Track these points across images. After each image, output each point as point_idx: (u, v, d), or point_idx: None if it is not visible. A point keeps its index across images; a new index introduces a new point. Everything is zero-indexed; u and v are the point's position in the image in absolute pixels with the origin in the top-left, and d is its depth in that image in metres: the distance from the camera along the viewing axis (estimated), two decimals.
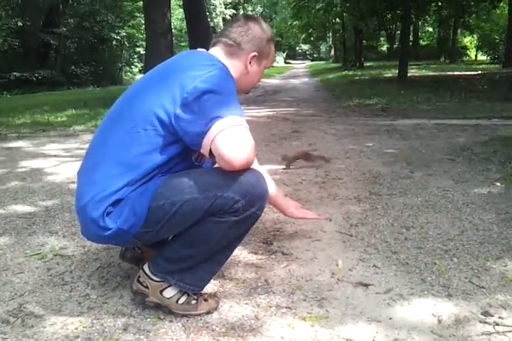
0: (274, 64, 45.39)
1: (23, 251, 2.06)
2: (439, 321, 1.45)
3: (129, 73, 25.46)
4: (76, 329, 1.45)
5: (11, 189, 3.11)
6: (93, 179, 1.41)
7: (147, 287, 1.50)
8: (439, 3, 17.99)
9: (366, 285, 1.67)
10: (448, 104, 7.48)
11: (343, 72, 19.75)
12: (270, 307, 1.55)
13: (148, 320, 1.48)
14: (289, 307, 1.54)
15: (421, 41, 33.82)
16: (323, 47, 54.89)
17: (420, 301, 1.57)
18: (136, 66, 25.50)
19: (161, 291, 1.49)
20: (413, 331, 1.40)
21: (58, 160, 4.05)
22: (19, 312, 1.56)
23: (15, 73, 18.14)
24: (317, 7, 22.79)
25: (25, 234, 2.27)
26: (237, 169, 1.33)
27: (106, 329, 1.43)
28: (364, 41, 25.54)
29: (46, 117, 7.15)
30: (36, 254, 2.02)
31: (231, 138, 1.30)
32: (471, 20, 23.77)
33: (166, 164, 1.40)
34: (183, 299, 1.50)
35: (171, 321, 1.47)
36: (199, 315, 1.50)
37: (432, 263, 1.84)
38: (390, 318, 1.47)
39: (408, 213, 2.42)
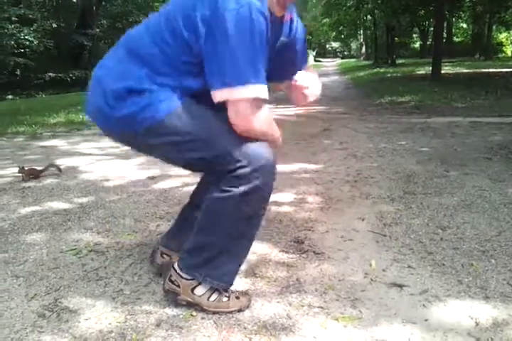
0: None
1: (58, 247, 2.11)
2: (477, 324, 1.41)
3: None
4: (110, 324, 1.47)
5: (46, 186, 3.19)
6: (125, 59, 1.42)
7: (178, 285, 1.51)
8: None
9: (400, 286, 1.63)
10: (483, 102, 7.28)
11: (375, 70, 19.46)
12: (302, 306, 1.54)
13: (181, 316, 1.49)
14: (322, 307, 1.52)
15: (455, 38, 33.05)
16: (353, 45, 54.22)
17: (457, 303, 1.53)
18: None
19: (192, 289, 1.50)
20: (449, 333, 1.36)
21: (92, 159, 4.14)
22: (55, 306, 1.59)
23: (50, 74, 18.62)
24: (348, 4, 22.52)
25: (61, 230, 2.32)
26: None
27: (139, 325, 1.45)
28: (396, 38, 25.08)
29: (80, 116, 7.30)
30: (71, 250, 2.07)
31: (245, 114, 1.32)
32: (507, 16, 23.05)
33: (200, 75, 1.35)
34: (214, 296, 1.51)
35: (203, 318, 1.48)
36: (230, 312, 1.50)
37: (469, 264, 1.79)
38: (426, 320, 1.43)
39: (444, 213, 2.36)
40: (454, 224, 2.20)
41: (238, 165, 1.36)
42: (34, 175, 3.38)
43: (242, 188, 1.37)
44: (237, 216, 1.42)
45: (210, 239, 1.46)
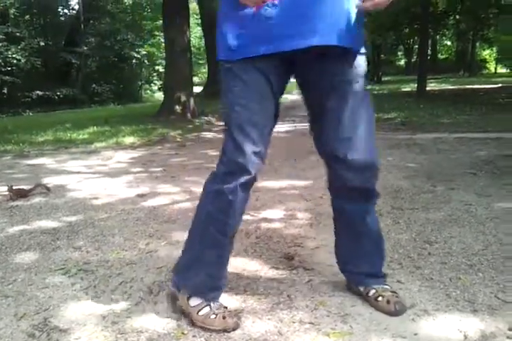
0: (292, 79, 45.61)
1: (47, 266, 2.09)
2: (465, 337, 1.42)
3: (148, 91, 25.86)
4: None
5: (34, 204, 3.17)
6: None
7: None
8: (457, 17, 17.99)
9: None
10: (468, 118, 7.41)
11: None
12: (293, 322, 1.54)
13: (172, 335, 1.49)
14: (313, 323, 1.53)
15: (439, 55, 33.73)
16: None
17: (445, 317, 1.54)
18: (155, 84, 25.87)
19: (188, 298, 1.55)
20: None
21: (81, 177, 4.12)
22: (44, 326, 1.58)
23: (37, 92, 18.57)
24: None
25: (49, 249, 2.30)
26: None
27: None
28: (382, 55, 25.56)
29: (68, 134, 7.30)
30: (60, 269, 2.05)
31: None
32: (489, 33, 23.68)
33: None
34: (203, 311, 1.53)
35: (194, 336, 1.47)
36: (215, 330, 1.50)
37: (457, 278, 1.82)
38: (415, 334, 1.45)
39: (431, 228, 2.39)
40: (441, 239, 2.23)
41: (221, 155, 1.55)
42: (22, 194, 3.36)
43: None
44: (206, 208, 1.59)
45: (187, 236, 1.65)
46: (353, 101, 1.48)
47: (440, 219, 2.52)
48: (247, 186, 1.51)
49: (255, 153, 1.47)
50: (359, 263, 1.68)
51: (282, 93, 1.59)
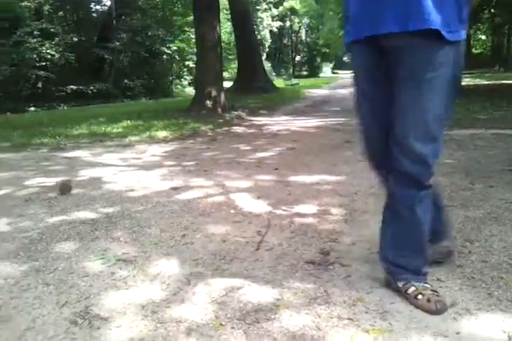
0: (321, 74, 45.26)
1: (87, 256, 2.14)
2: (509, 338, 1.38)
3: (179, 86, 26.10)
4: (141, 332, 1.49)
5: (72, 196, 3.24)
6: None
7: None
8: (492, 10, 17.46)
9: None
10: (505, 113, 7.20)
11: None
12: (331, 318, 1.53)
13: (211, 325, 1.50)
14: (351, 319, 1.52)
15: (474, 49, 32.83)
16: None
17: (488, 316, 1.50)
18: (185, 79, 26.10)
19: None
20: None
21: (116, 169, 4.20)
22: (86, 314, 1.62)
23: (71, 86, 19.00)
24: None
25: (89, 239, 2.35)
26: None
27: (170, 334, 1.46)
28: None
29: (103, 128, 7.44)
30: (100, 259, 2.10)
31: None
32: None
33: None
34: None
35: (232, 328, 1.48)
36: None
37: (499, 277, 1.77)
38: (457, 333, 1.42)
39: (471, 226, 2.33)
40: (481, 237, 2.17)
41: None
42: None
43: None
44: None
45: None
46: (427, 90, 1.47)
47: (480, 217, 2.46)
48: None
49: None
50: (400, 255, 1.66)
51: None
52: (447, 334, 1.41)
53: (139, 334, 1.47)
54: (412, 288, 1.61)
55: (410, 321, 1.49)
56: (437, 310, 1.52)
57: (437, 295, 1.58)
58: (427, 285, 1.63)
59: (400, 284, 1.65)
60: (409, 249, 1.65)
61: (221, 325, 1.50)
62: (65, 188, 3.34)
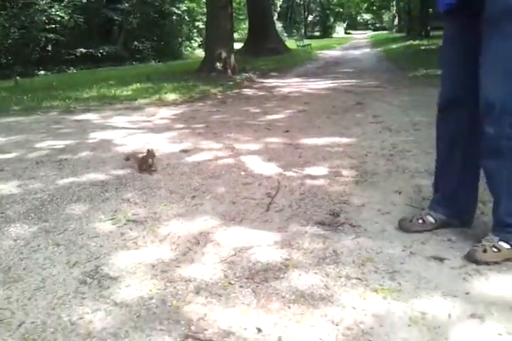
0: (334, 35, 44.10)
1: (97, 217, 2.15)
2: None
3: (188, 48, 25.59)
4: (150, 291, 1.50)
5: (83, 158, 3.24)
6: None
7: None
8: None
9: (441, 259, 1.60)
10: None
11: (408, 42, 18.83)
12: (340, 277, 1.53)
13: (219, 284, 1.51)
14: (360, 279, 1.51)
15: None
16: (386, 17, 52.47)
17: (498, 277, 1.49)
18: (195, 40, 25.52)
19: None
20: (492, 307, 1.34)
21: (126, 132, 4.17)
22: (95, 273, 1.64)
23: (81, 49, 18.72)
24: None
25: (99, 201, 2.36)
26: None
27: (179, 292, 1.48)
28: (430, 9, 24.12)
29: (112, 91, 7.36)
30: (110, 220, 2.11)
31: None
32: None
33: None
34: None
35: (241, 286, 1.49)
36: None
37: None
38: (467, 293, 1.41)
39: (483, 186, 2.28)
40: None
41: None
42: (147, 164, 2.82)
43: None
44: None
45: None
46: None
47: None
48: None
49: None
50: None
51: None
52: (457, 294, 1.40)
53: (148, 293, 1.49)
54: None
55: (419, 281, 1.49)
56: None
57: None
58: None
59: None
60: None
61: (230, 283, 1.51)
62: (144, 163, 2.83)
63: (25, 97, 6.91)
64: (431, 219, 1.84)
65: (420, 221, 1.84)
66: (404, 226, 1.85)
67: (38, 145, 3.74)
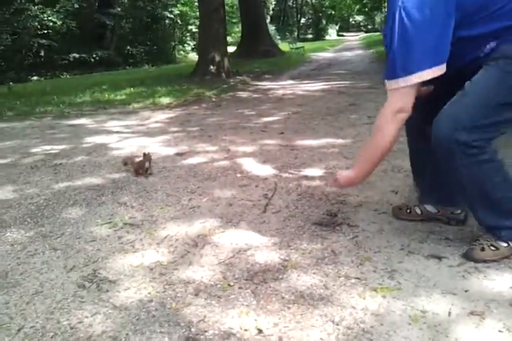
0: (327, 37, 44.22)
1: (94, 221, 2.14)
2: None
3: (182, 52, 25.58)
4: (149, 293, 1.50)
5: (78, 163, 3.23)
6: None
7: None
8: None
9: (439, 258, 1.61)
10: None
11: None
12: (339, 277, 1.53)
13: (218, 286, 1.51)
14: (359, 278, 1.52)
15: None
16: (378, 18, 52.65)
17: (497, 274, 1.50)
18: (188, 44, 25.52)
19: None
20: (491, 304, 1.34)
21: (120, 136, 4.16)
22: (94, 277, 1.63)
23: (74, 54, 18.68)
24: None
25: (95, 205, 2.35)
26: None
27: (178, 295, 1.47)
28: None
29: (106, 95, 7.35)
30: (107, 223, 2.10)
31: None
32: None
33: None
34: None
35: (240, 288, 1.49)
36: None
37: None
38: (466, 291, 1.41)
39: None
40: None
41: None
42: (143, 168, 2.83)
43: None
44: None
45: None
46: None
47: None
48: None
49: None
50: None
51: None
52: (456, 292, 1.41)
53: (147, 296, 1.48)
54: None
55: (419, 280, 1.49)
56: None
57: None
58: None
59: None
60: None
61: (229, 285, 1.51)
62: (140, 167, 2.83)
63: (18, 103, 6.88)
64: (418, 211, 1.91)
65: (408, 211, 1.93)
66: (393, 212, 1.99)
67: (32, 150, 3.72)
